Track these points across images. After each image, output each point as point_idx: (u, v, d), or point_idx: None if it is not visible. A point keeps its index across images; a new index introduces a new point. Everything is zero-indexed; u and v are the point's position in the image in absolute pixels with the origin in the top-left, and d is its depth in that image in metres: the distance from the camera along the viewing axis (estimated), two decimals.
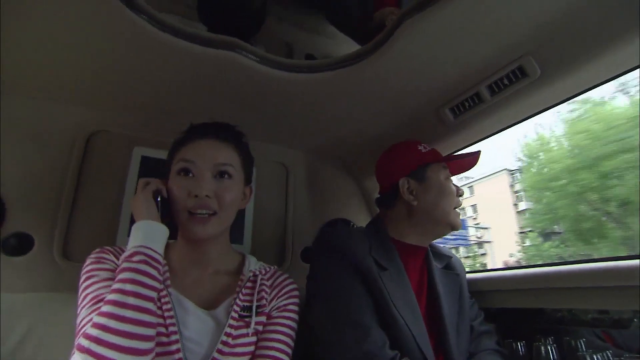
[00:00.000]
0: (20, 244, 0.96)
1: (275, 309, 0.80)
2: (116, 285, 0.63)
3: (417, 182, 1.03)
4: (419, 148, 1.06)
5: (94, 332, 0.58)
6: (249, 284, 0.81)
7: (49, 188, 1.02)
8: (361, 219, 1.47)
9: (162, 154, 0.89)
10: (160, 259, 0.70)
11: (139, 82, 1.02)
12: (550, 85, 0.92)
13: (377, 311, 0.87)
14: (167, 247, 0.83)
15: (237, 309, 0.76)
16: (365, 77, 0.98)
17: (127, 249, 0.68)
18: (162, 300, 0.72)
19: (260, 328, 0.77)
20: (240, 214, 1.24)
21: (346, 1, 1.19)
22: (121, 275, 0.64)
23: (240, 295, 0.78)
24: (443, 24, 0.81)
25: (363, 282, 0.89)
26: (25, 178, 0.99)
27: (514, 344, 1.01)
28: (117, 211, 1.08)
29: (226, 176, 0.79)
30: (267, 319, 0.79)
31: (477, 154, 1.09)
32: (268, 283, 0.83)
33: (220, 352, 0.71)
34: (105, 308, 0.60)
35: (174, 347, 0.69)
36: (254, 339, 0.76)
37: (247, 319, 0.76)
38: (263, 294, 0.80)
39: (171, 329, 0.70)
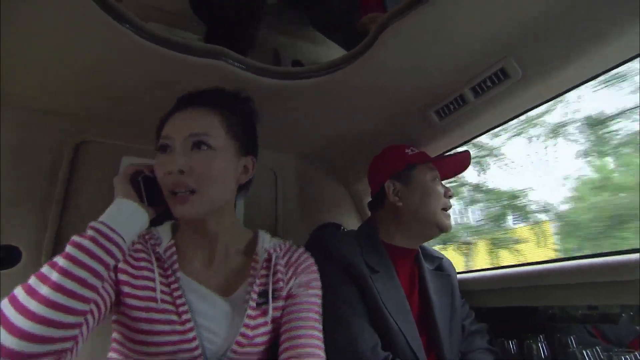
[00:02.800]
0: (7, 257, 0.94)
1: (297, 287, 0.75)
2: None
3: (402, 184, 1.04)
4: (406, 151, 1.08)
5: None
6: (264, 264, 0.75)
7: (36, 199, 1.01)
8: (351, 223, 1.47)
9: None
10: (114, 236, 0.62)
11: (125, 92, 1.02)
12: (532, 85, 0.94)
13: (369, 313, 0.88)
14: (176, 229, 0.79)
15: (255, 296, 0.71)
16: (351, 82, 0.99)
17: None
18: (172, 286, 0.69)
19: (277, 314, 0.72)
20: None
21: (331, 7, 1.20)
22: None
23: (256, 280, 0.73)
24: (425, 28, 0.82)
25: (354, 284, 0.90)
26: (11, 189, 0.98)
27: (505, 343, 1.02)
28: None
29: (204, 147, 0.70)
30: (286, 300, 0.74)
31: (465, 153, 1.10)
32: (283, 261, 0.77)
33: (239, 344, 0.67)
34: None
35: (190, 335, 0.65)
36: (272, 326, 0.72)
37: (264, 306, 0.71)
38: (279, 275, 0.74)
39: (184, 316, 0.66)
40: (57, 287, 0.54)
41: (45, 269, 0.56)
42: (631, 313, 0.96)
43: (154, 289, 0.68)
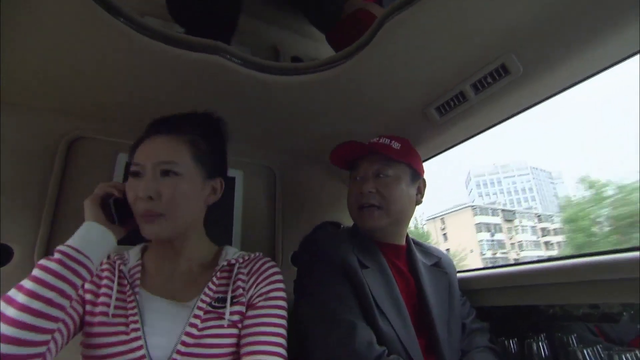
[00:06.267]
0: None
1: (257, 297, 0.76)
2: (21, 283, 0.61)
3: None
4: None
5: None
6: (223, 274, 0.79)
7: (29, 197, 0.99)
8: (350, 221, 1.46)
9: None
10: (81, 257, 0.65)
11: (121, 88, 1.00)
12: (533, 82, 0.93)
13: (362, 309, 0.87)
14: (145, 249, 0.85)
15: (206, 299, 0.74)
16: (351, 79, 0.98)
17: None
18: (128, 300, 0.73)
19: (236, 318, 0.74)
20: (229, 218, 1.23)
21: (320, 4, 1.17)
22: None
23: (210, 284, 0.76)
24: (424, 23, 0.81)
25: (347, 281, 0.89)
26: (4, 187, 0.96)
27: (506, 342, 1.02)
28: None
29: (171, 173, 0.75)
30: (247, 309, 0.76)
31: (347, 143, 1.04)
32: (245, 270, 0.80)
33: (184, 343, 0.69)
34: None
35: (135, 345, 0.69)
36: (231, 330, 0.73)
37: (220, 310, 0.74)
38: (239, 283, 0.78)
39: (132, 326, 0.70)
40: (24, 308, 0.56)
41: (11, 292, 0.59)
42: (632, 312, 0.95)
43: (109, 305, 0.72)
